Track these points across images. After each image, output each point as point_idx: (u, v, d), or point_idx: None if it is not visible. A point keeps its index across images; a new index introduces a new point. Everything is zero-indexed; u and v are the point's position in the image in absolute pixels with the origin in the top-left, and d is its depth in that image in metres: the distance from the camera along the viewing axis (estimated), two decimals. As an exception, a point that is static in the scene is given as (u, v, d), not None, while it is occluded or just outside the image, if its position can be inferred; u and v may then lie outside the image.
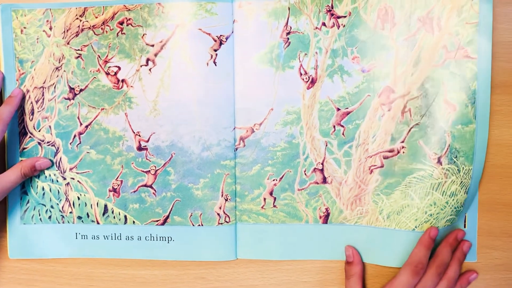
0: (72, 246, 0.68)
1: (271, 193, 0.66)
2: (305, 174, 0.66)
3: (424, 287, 0.61)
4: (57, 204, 0.68)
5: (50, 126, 0.67)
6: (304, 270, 0.67)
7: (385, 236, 0.65)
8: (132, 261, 0.68)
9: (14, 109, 0.65)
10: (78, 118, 0.67)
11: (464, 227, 0.66)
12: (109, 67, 0.66)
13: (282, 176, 0.66)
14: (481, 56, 0.62)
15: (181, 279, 0.68)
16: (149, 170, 0.67)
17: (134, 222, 0.67)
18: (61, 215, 0.68)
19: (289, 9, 0.64)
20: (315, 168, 0.66)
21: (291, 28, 0.64)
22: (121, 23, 0.65)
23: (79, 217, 0.68)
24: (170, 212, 0.67)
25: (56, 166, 0.68)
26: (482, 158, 0.64)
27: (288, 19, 0.64)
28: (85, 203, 0.68)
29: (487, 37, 0.62)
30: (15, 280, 0.69)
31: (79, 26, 0.66)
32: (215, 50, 0.64)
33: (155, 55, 0.65)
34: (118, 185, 0.67)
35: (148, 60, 0.65)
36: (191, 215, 0.66)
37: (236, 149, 0.65)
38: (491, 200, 0.66)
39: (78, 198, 0.68)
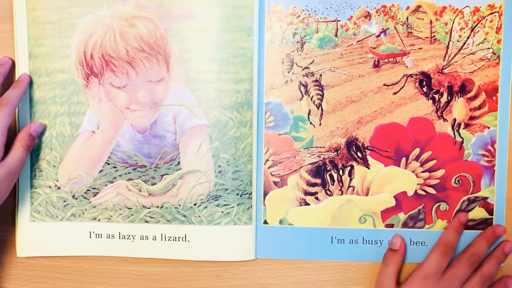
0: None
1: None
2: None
3: (454, 275, 0.61)
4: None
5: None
6: (324, 268, 0.66)
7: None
8: (144, 258, 0.66)
9: (22, 93, 0.63)
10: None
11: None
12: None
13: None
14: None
15: (196, 277, 0.66)
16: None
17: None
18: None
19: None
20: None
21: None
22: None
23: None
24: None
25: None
26: (505, 155, 0.64)
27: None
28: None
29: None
30: (22, 277, 0.67)
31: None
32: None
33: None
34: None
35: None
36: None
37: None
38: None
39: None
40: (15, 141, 0.63)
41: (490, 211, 0.64)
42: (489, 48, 0.63)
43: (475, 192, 0.64)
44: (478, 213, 0.64)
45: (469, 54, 0.63)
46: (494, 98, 0.63)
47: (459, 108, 0.63)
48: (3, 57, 0.64)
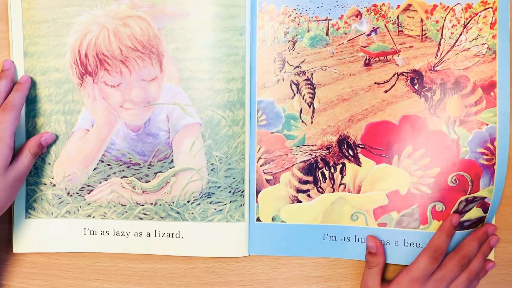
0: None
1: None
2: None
3: (443, 276, 0.59)
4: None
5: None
6: (317, 264, 0.66)
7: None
8: (139, 255, 0.67)
9: (24, 95, 0.64)
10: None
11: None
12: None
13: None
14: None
15: (190, 273, 0.67)
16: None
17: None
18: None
19: None
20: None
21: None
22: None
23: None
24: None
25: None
26: (506, 153, 0.62)
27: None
28: (95, 198, 0.67)
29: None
30: (19, 274, 0.68)
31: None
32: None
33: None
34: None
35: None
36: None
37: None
38: (509, 194, 0.64)
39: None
40: (23, 147, 0.64)
41: (486, 210, 0.63)
42: (483, 44, 0.62)
43: (473, 192, 0.63)
44: (475, 213, 0.63)
45: (462, 51, 0.62)
46: (492, 94, 0.62)
47: (453, 105, 0.63)
48: (4, 60, 0.65)
